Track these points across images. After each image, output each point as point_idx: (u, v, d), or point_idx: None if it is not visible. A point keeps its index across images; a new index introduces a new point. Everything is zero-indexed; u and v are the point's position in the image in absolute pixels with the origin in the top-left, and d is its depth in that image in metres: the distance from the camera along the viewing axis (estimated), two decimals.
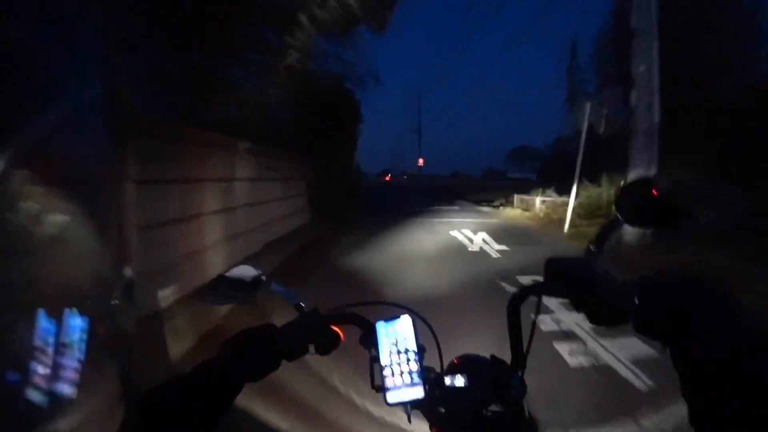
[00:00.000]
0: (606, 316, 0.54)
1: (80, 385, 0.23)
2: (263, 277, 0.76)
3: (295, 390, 2.40)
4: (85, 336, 0.24)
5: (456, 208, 17.19)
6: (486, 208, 16.55)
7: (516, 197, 15.96)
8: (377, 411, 2.17)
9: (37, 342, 0.21)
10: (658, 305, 0.48)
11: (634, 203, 0.59)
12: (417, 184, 47.23)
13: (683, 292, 0.46)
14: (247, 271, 0.75)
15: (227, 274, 0.74)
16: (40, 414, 0.21)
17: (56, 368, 0.22)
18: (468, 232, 9.16)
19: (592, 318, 0.55)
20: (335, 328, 0.75)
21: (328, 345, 0.74)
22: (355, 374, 2.19)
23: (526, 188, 16.73)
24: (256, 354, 0.66)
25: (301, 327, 0.73)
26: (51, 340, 0.22)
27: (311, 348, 0.73)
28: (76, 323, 0.23)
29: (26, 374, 0.21)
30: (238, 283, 0.74)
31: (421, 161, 49.02)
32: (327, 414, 2.31)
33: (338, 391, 2.47)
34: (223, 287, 0.73)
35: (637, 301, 0.50)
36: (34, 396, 0.20)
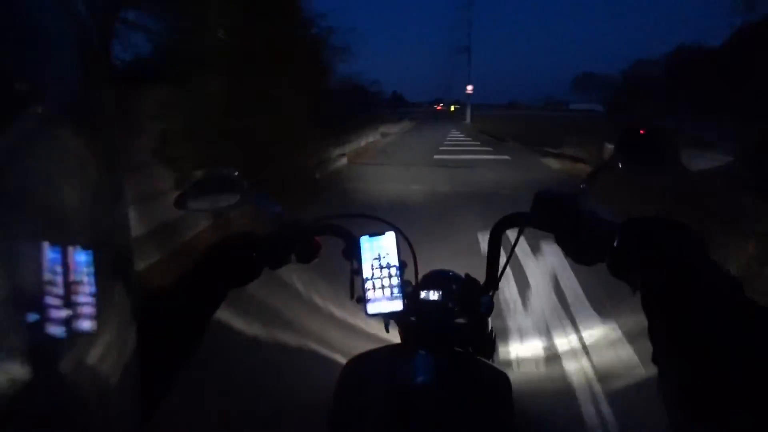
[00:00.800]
0: (584, 255, 0.56)
1: (97, 318, 0.24)
2: (245, 182, 0.72)
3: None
4: (92, 269, 0.24)
5: (505, 158, 10.81)
6: (554, 164, 9.49)
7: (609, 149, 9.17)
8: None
9: (47, 276, 0.21)
10: (633, 250, 0.49)
11: (629, 144, 0.59)
12: (463, 114, 40.80)
13: (660, 239, 0.48)
14: (226, 173, 0.73)
15: (206, 177, 0.72)
16: (63, 349, 0.22)
17: (71, 304, 0.22)
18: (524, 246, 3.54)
19: (571, 254, 0.57)
20: (317, 239, 0.76)
21: (308, 254, 0.75)
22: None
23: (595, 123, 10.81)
24: (238, 260, 0.67)
25: (283, 236, 0.73)
26: (60, 275, 0.22)
27: (293, 257, 0.74)
28: (81, 258, 0.23)
29: (43, 310, 0.21)
30: (219, 184, 0.72)
31: (469, 88, 40.35)
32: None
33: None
34: (203, 190, 0.71)
35: (615, 243, 0.51)
36: (55, 331, 0.21)
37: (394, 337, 0.78)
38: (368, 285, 0.70)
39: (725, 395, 0.33)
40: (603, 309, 2.47)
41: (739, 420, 0.32)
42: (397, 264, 0.70)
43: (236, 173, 0.73)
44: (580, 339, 2.28)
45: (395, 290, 0.70)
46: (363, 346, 0.76)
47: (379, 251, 0.72)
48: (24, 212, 0.21)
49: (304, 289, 2.89)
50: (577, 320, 2.47)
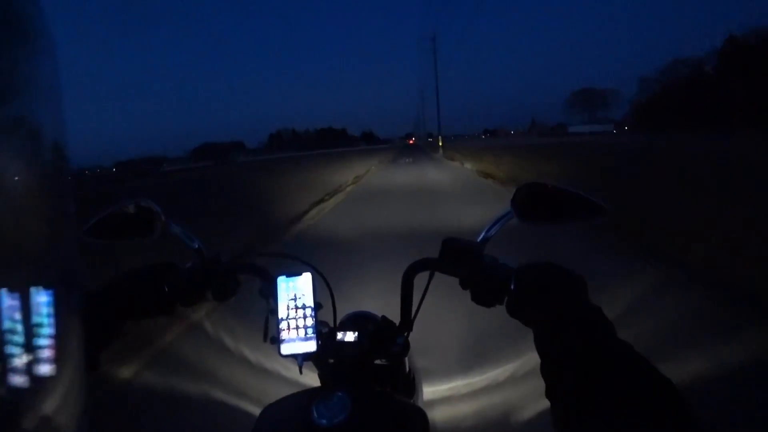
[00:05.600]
0: (486, 298, 0.66)
1: (56, 361, 0.24)
2: (162, 216, 0.76)
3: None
4: (52, 310, 0.24)
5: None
6: None
7: None
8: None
9: (6, 325, 0.22)
10: (526, 292, 0.60)
11: (530, 198, 0.69)
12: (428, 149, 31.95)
13: (548, 283, 0.58)
14: (140, 208, 0.75)
15: (116, 209, 0.75)
16: (24, 398, 0.23)
17: (31, 349, 0.23)
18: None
19: (475, 297, 0.67)
20: (235, 277, 0.78)
21: (225, 292, 0.77)
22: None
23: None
24: (148, 293, 0.69)
25: (199, 272, 0.75)
26: (19, 321, 0.23)
27: (208, 294, 0.76)
28: (41, 299, 0.24)
29: (3, 360, 0.22)
30: (136, 215, 0.75)
31: None
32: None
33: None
34: (112, 224, 0.74)
35: (512, 287, 0.62)
36: (17, 381, 0.22)
37: (314, 381, 0.80)
38: (283, 325, 0.73)
39: (606, 424, 0.40)
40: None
41: None
42: (312, 305, 0.73)
43: (154, 205, 0.75)
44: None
45: (309, 331, 0.72)
46: (282, 393, 0.75)
47: (295, 291, 0.74)
48: None
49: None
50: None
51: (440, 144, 40.62)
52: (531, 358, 1.93)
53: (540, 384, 0.49)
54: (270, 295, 0.74)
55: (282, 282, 0.74)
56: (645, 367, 0.43)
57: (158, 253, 1.02)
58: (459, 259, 0.67)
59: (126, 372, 2.38)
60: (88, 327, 0.39)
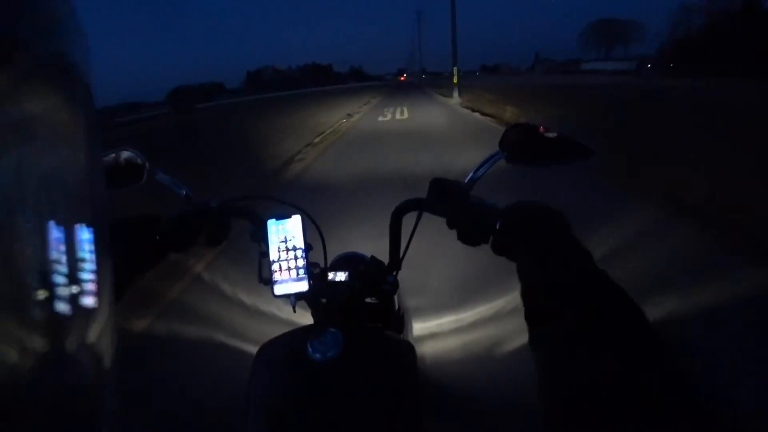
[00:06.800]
0: (472, 237, 0.66)
1: (97, 294, 0.26)
2: (147, 164, 0.77)
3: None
4: (93, 247, 0.26)
5: None
6: None
7: None
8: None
9: (53, 255, 0.23)
10: (511, 231, 0.61)
11: (520, 140, 0.69)
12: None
13: (531, 222, 0.60)
14: (126, 157, 0.76)
15: (107, 157, 0.74)
16: (70, 325, 0.24)
17: (76, 281, 0.24)
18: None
19: (461, 237, 0.67)
20: (225, 221, 0.80)
21: (216, 237, 0.78)
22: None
23: None
24: (140, 244, 0.69)
25: (190, 218, 0.75)
26: (64, 253, 0.23)
27: (200, 240, 0.78)
28: (84, 236, 0.25)
29: (49, 287, 0.22)
30: (116, 170, 0.74)
31: None
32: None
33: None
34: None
35: (497, 226, 0.63)
36: (61, 308, 0.23)
37: (308, 320, 0.83)
38: (275, 267, 0.74)
39: (581, 343, 0.42)
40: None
41: (593, 366, 0.39)
42: (302, 246, 0.75)
43: (138, 154, 0.75)
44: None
45: (301, 271, 0.74)
46: (278, 332, 0.79)
47: (286, 234, 0.76)
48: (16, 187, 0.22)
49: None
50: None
51: (455, 81, 22.80)
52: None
53: (522, 321, 0.52)
54: (261, 238, 0.76)
55: (272, 225, 0.76)
56: (616, 290, 0.46)
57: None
58: (446, 199, 0.68)
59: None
60: None
